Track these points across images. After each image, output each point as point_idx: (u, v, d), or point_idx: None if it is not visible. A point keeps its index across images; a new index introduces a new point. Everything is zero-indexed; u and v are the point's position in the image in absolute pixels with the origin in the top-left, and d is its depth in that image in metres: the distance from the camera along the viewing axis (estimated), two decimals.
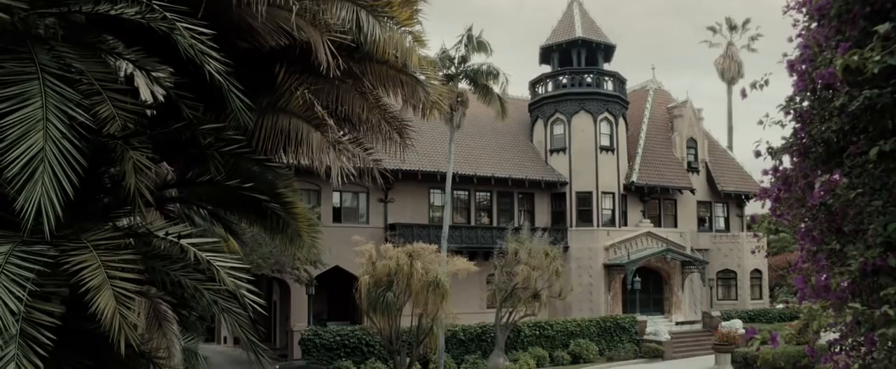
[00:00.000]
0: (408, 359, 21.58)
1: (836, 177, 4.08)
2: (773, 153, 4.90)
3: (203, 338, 29.42)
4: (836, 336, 4.65)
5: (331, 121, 7.62)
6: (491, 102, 25.60)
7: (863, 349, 4.77)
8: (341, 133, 8.32)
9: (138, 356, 7.64)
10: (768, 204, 5.15)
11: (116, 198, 6.55)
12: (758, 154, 4.91)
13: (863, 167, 4.27)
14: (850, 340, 4.81)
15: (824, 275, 4.08)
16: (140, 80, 5.85)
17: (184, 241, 5.93)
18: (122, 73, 5.90)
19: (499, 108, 25.50)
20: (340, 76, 8.15)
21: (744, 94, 4.99)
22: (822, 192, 4.08)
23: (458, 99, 25.35)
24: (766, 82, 5.01)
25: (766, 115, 4.97)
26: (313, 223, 10.07)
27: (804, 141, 4.72)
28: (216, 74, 5.76)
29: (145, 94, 5.49)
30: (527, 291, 25.92)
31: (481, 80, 25.45)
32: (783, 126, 4.91)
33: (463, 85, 25.97)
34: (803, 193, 4.77)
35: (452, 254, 22.94)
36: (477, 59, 25.51)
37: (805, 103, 4.85)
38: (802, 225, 4.79)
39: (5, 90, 5.13)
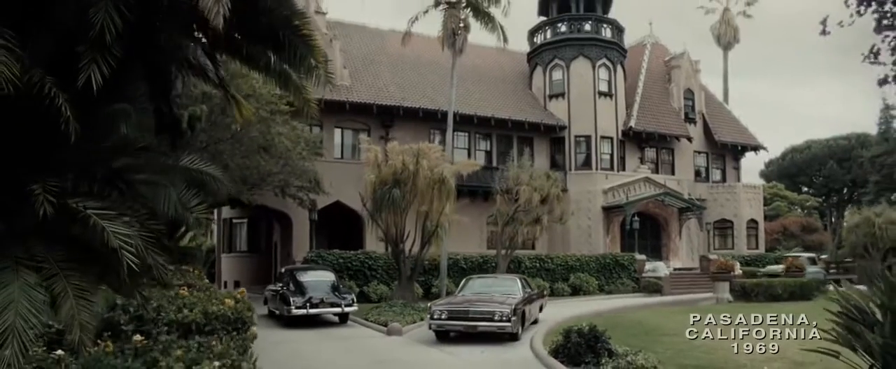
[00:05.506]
0: (410, 271, 21.77)
1: None
2: None
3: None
4: None
5: None
6: (492, 30, 25.99)
7: None
8: None
9: None
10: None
11: None
12: None
13: None
14: None
15: None
16: None
17: None
18: None
19: (500, 35, 25.95)
20: None
21: None
22: None
23: (461, 24, 25.78)
24: None
25: None
26: (328, 58, 10.43)
27: None
28: None
29: None
30: (528, 215, 26.21)
31: (483, 7, 25.84)
32: None
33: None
34: None
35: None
36: None
37: None
38: None
39: None
